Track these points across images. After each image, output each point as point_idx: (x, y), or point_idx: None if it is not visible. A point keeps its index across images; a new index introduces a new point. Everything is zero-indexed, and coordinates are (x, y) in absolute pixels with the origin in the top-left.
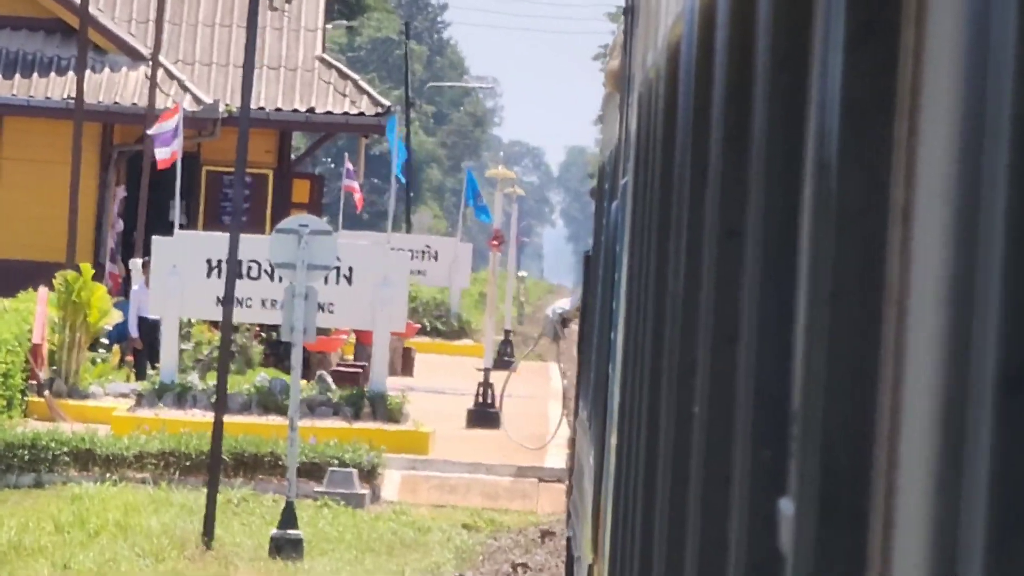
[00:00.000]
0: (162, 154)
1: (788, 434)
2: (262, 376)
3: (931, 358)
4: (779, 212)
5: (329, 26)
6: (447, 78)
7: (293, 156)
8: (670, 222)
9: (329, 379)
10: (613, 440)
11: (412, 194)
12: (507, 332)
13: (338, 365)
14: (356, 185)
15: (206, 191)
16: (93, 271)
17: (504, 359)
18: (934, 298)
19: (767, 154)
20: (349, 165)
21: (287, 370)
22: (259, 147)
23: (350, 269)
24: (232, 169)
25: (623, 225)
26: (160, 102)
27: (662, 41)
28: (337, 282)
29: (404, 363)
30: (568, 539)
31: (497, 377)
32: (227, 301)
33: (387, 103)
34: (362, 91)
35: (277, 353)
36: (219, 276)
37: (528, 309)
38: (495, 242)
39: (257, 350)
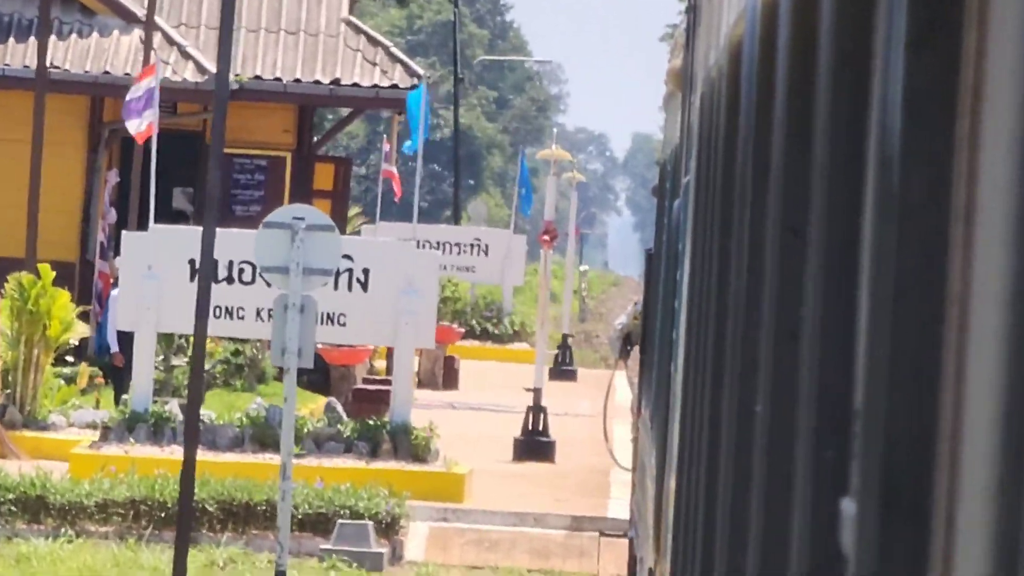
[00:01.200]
0: (133, 127)
1: (850, 433)
2: (257, 403)
3: (993, 357)
4: (841, 210)
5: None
6: (508, 62)
7: (316, 136)
8: (732, 220)
9: (339, 407)
10: (675, 439)
11: (472, 181)
12: (565, 337)
13: (365, 381)
14: (394, 170)
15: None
16: (54, 273)
17: (562, 368)
18: (996, 297)
19: (830, 152)
20: (387, 146)
21: (311, 385)
22: (275, 125)
23: (365, 272)
24: (246, 150)
25: (685, 223)
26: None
27: (724, 39)
28: (350, 288)
29: (446, 374)
30: (631, 539)
31: (554, 391)
32: (200, 311)
33: (422, 72)
34: (395, 60)
35: None
36: (232, 281)
37: (591, 303)
38: (546, 236)
39: (271, 362)
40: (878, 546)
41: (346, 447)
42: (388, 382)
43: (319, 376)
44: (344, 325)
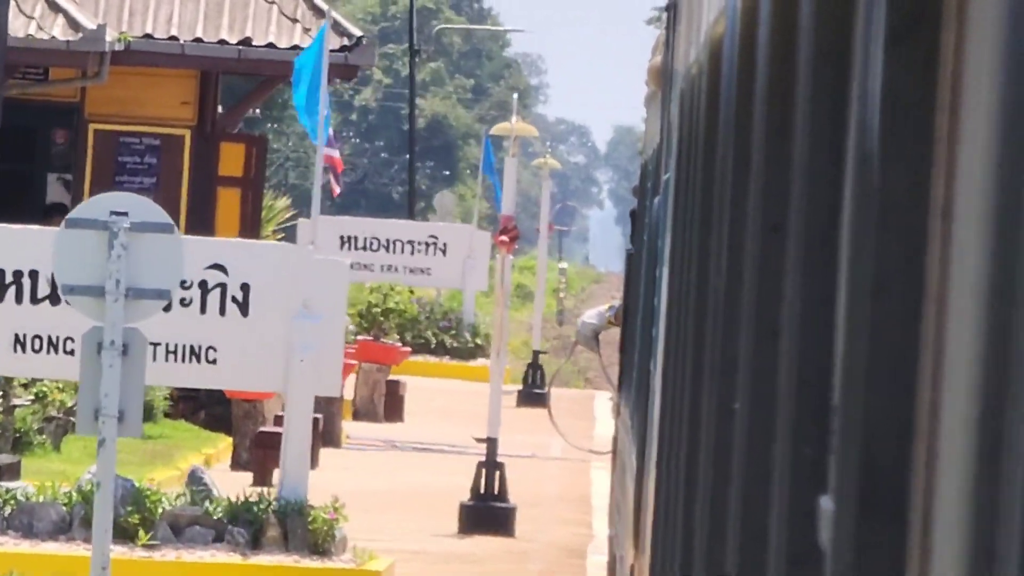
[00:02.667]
0: None
1: (829, 430)
2: (91, 472)
3: (971, 354)
4: (821, 207)
5: None
6: (487, 51)
7: (222, 109)
8: (712, 217)
9: (206, 476)
10: (655, 436)
11: (447, 172)
12: (536, 355)
13: (278, 421)
14: (337, 155)
15: (94, 159)
16: None
17: (532, 391)
18: (974, 294)
19: (809, 149)
20: (329, 128)
21: (212, 421)
22: (170, 95)
23: (244, 289)
24: (134, 127)
25: (666, 220)
26: (19, 28)
27: (704, 38)
28: (222, 311)
29: (388, 403)
30: (610, 537)
31: (520, 423)
32: None
33: (358, 33)
34: (321, 14)
35: (194, 399)
36: (21, 299)
37: (570, 303)
38: (504, 237)
39: (161, 394)
40: (856, 542)
41: (217, 534)
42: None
43: (222, 409)
44: (214, 363)
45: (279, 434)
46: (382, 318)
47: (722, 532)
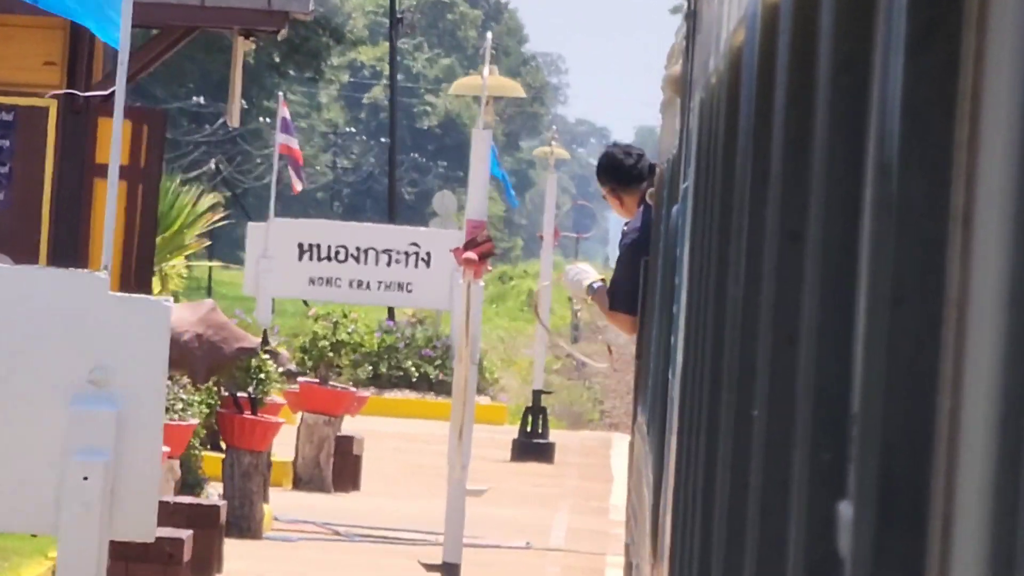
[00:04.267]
0: None
1: (847, 437)
2: None
3: (991, 362)
4: (840, 215)
5: None
6: (504, 46)
7: (102, 72)
8: (731, 225)
9: None
10: (673, 443)
11: (460, 173)
12: (537, 396)
13: None
14: (294, 143)
15: None
16: None
17: (533, 440)
18: (994, 302)
19: (829, 157)
20: (284, 111)
21: None
22: (30, 54)
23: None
24: None
25: (684, 228)
26: None
27: (724, 45)
28: None
29: (340, 465)
30: (627, 545)
31: (514, 487)
32: None
33: None
34: None
35: None
36: None
37: (588, 314)
38: (470, 254)
39: None
40: (874, 550)
41: None
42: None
43: None
44: None
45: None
46: (331, 353)
47: (740, 538)
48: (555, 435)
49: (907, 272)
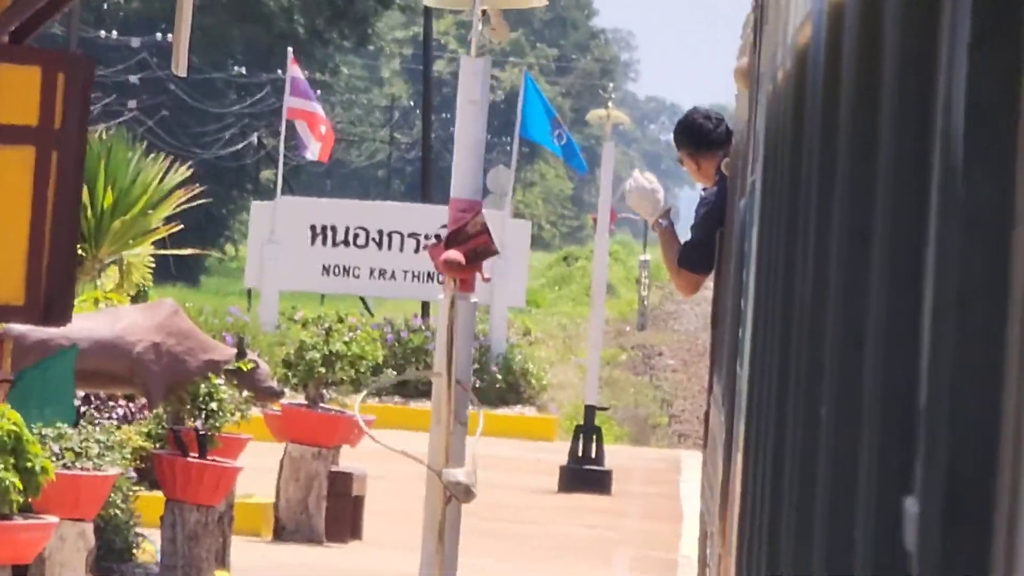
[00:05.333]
0: None
1: (914, 435)
2: None
3: None
4: (906, 214)
5: None
6: (571, 19)
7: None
8: (798, 223)
9: None
10: (741, 438)
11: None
12: (590, 412)
13: None
14: (315, 108)
15: None
16: None
17: (584, 467)
18: None
19: (895, 156)
20: (294, 69)
21: None
22: None
23: None
24: None
25: (751, 224)
26: None
27: (790, 41)
28: None
29: (334, 511)
30: (701, 512)
31: (562, 526)
32: None
33: None
34: None
35: None
36: None
37: (656, 297)
38: (452, 254)
39: None
40: (942, 545)
41: None
42: None
43: None
44: None
45: None
46: (322, 369)
47: (808, 535)
48: (613, 454)
49: (972, 272)
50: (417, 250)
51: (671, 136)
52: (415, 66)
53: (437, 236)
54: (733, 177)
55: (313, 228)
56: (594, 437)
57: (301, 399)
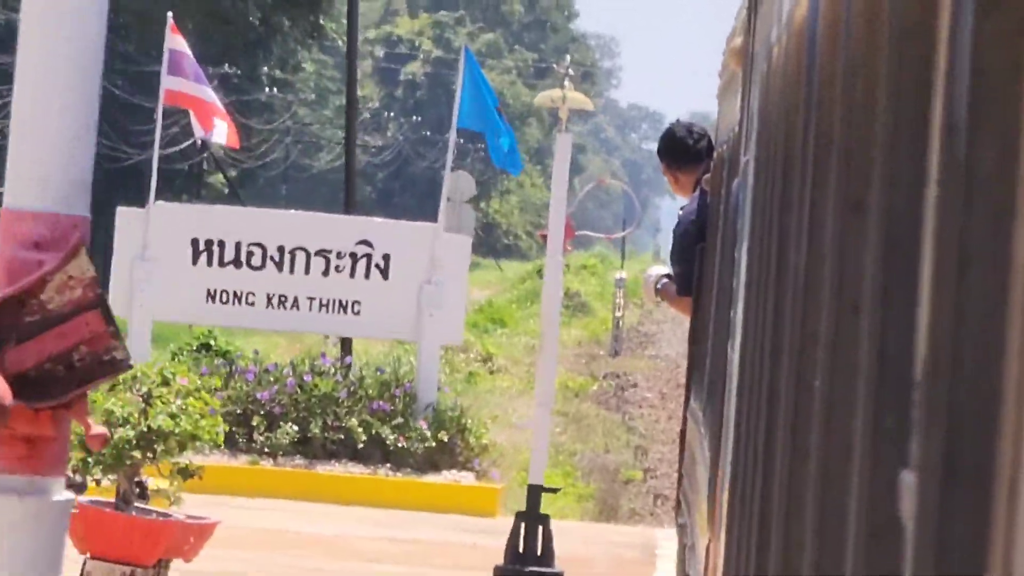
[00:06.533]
0: None
1: (911, 404)
2: None
3: None
4: (905, 182)
5: None
6: (552, 21)
7: None
8: (793, 195)
9: None
10: (732, 417)
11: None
12: (535, 495)
13: None
14: (207, 95)
15: None
16: None
17: (522, 571)
18: None
19: (893, 126)
20: (175, 39)
21: None
22: None
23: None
24: None
25: (744, 202)
26: None
27: (787, 15)
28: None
29: None
30: (679, 526)
31: None
32: None
33: None
34: None
35: None
36: None
37: (633, 317)
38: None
39: None
40: (938, 515)
41: None
42: None
43: None
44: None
45: None
46: (137, 453)
47: (800, 506)
48: (569, 537)
49: (974, 237)
50: (327, 272)
51: (653, 145)
52: (388, 65)
53: (352, 255)
54: (714, 191)
55: (195, 243)
56: (539, 528)
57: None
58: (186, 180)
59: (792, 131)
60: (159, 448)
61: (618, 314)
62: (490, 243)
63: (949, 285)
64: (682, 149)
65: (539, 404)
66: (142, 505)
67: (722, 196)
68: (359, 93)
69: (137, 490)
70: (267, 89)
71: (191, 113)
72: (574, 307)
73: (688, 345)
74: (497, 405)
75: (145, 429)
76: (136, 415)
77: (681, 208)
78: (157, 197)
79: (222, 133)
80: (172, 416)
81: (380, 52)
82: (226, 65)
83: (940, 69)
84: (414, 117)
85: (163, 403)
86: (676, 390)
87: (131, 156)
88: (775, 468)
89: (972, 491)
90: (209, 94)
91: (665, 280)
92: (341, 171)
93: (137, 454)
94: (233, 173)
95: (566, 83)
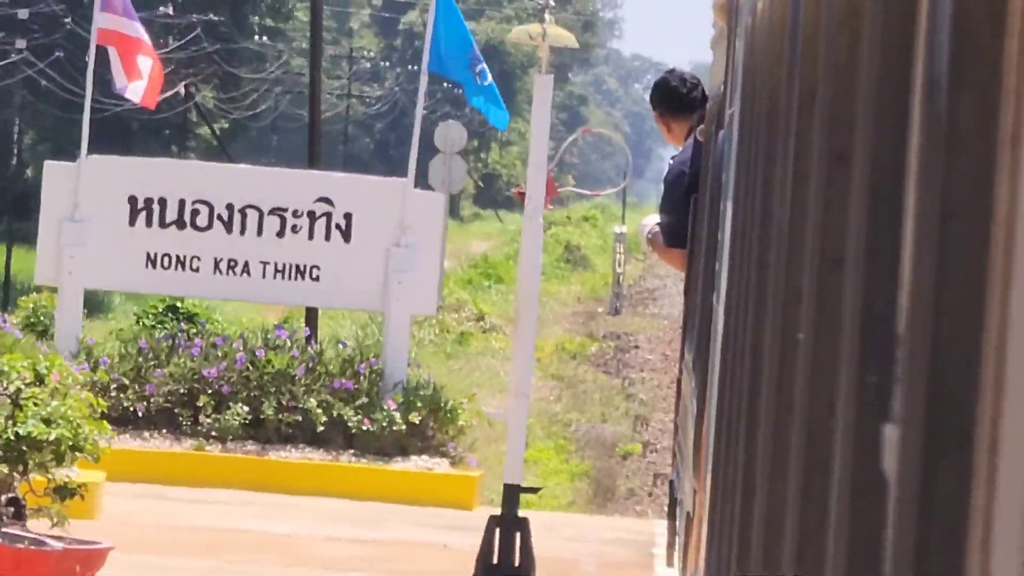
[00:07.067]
0: None
1: (894, 359)
2: None
3: None
4: (888, 135)
5: None
6: None
7: None
8: (777, 148)
9: None
10: (717, 370)
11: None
12: (512, 495)
13: None
14: (139, 33)
15: None
16: None
17: None
18: None
19: (877, 78)
20: None
21: None
22: None
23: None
24: None
25: (729, 154)
26: None
27: None
28: None
29: None
30: (671, 482)
31: None
32: None
33: None
34: None
35: None
36: None
37: (635, 270)
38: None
39: None
40: (921, 470)
41: None
42: None
43: None
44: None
45: None
46: (3, 467)
47: (784, 461)
48: (554, 532)
49: (956, 191)
50: (282, 233)
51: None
52: (387, 14)
53: (310, 214)
54: (707, 141)
55: (134, 201)
56: (518, 533)
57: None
58: (174, 132)
59: (776, 84)
60: (31, 461)
61: (619, 270)
62: (490, 195)
63: (931, 236)
64: (675, 98)
65: (515, 393)
66: (12, 530)
67: (712, 147)
68: (359, 43)
69: (11, 509)
70: (256, 38)
71: (112, 57)
72: (574, 261)
73: (684, 296)
74: (488, 368)
75: (12, 437)
76: (2, 420)
77: (672, 157)
78: (142, 151)
79: (137, 90)
80: (46, 421)
81: (378, 1)
82: (211, 13)
83: (922, 23)
84: (411, 67)
85: (36, 405)
86: (678, 350)
87: (108, 107)
88: (759, 423)
89: (955, 447)
90: (138, 30)
91: (657, 230)
92: (336, 122)
93: (3, 468)
94: (226, 125)
95: (546, 16)
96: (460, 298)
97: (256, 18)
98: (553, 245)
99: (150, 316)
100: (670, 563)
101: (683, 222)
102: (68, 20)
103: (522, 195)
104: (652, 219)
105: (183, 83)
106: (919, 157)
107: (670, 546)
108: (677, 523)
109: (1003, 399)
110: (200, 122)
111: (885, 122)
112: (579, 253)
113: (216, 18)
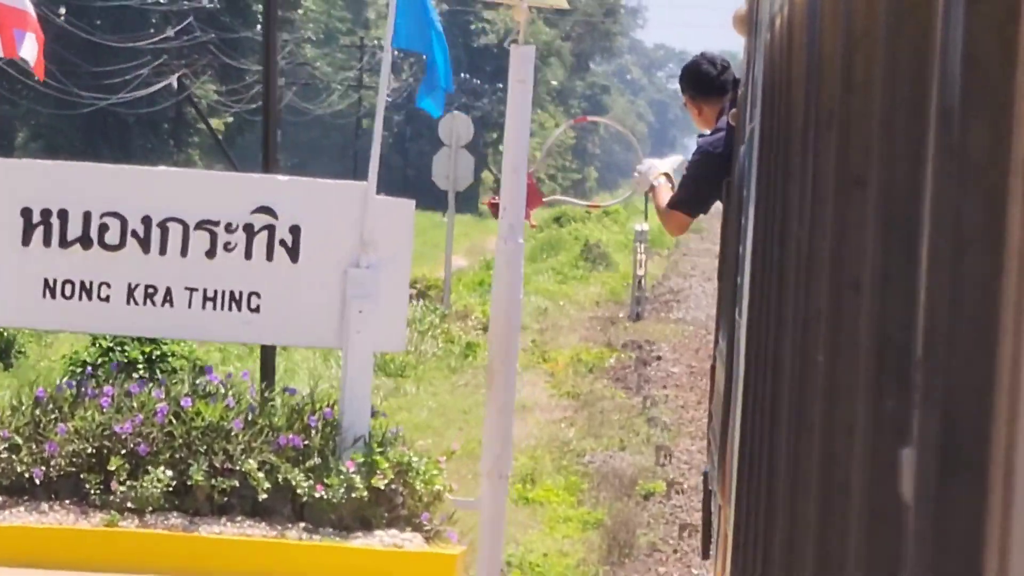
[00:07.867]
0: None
1: (911, 384)
2: None
3: None
4: (903, 161)
5: None
6: None
7: None
8: (794, 169)
9: None
10: (739, 388)
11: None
12: None
13: None
14: (25, 6)
15: None
16: None
17: None
18: None
19: (891, 103)
20: None
21: None
22: None
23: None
24: None
25: (750, 170)
26: None
27: None
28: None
29: None
30: (705, 473)
31: None
32: None
33: None
34: None
35: None
36: None
37: (657, 267)
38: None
39: None
40: (938, 494)
41: None
42: None
43: None
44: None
45: None
46: None
47: (805, 483)
48: None
49: (969, 220)
50: (212, 252)
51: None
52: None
53: (247, 228)
54: (739, 128)
55: (27, 214)
56: None
57: None
58: (173, 127)
59: (794, 103)
60: None
61: (640, 272)
62: None
63: (945, 265)
64: (706, 80)
65: (489, 475)
66: None
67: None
68: (376, 33)
69: None
70: (259, 28)
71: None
72: (594, 259)
73: (718, 282)
74: (431, 459)
75: None
76: None
77: (699, 136)
78: (139, 148)
79: (32, 50)
80: None
81: None
82: (206, 1)
83: (936, 50)
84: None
85: None
86: (706, 361)
87: (93, 102)
88: (780, 442)
89: (970, 471)
90: (28, 5)
91: (664, 180)
92: (346, 116)
93: None
94: (230, 119)
95: None
96: (468, 304)
97: (259, 6)
98: (571, 243)
99: (88, 350)
100: (705, 555)
101: (692, 196)
102: (60, 12)
103: (495, 207)
104: (657, 162)
105: (175, 75)
106: (933, 186)
107: (705, 536)
108: (712, 517)
109: (1018, 423)
110: (185, 116)
111: (900, 148)
112: (599, 250)
113: (213, 5)
